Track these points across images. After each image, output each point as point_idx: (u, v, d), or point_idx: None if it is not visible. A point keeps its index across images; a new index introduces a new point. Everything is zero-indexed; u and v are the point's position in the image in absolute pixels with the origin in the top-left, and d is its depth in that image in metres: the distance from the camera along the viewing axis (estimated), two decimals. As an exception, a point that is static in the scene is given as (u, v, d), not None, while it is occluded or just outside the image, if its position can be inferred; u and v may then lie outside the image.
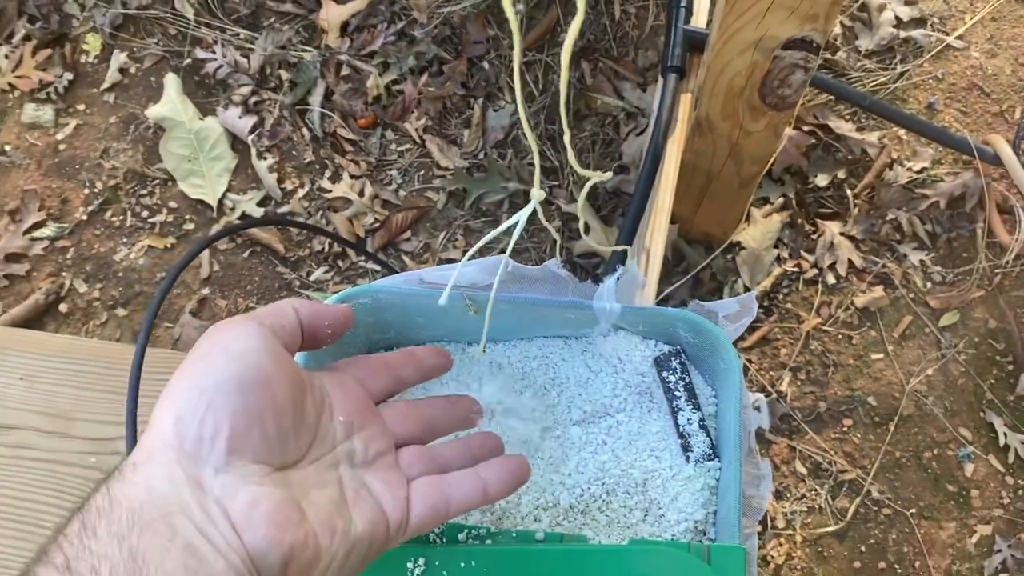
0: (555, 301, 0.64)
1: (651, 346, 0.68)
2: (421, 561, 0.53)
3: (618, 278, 0.65)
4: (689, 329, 0.64)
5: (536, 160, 0.44)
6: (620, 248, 0.74)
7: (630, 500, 0.63)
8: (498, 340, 0.71)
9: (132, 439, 0.77)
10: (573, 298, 0.64)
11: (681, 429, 0.64)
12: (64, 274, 1.30)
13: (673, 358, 0.65)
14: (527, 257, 1.28)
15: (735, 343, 0.76)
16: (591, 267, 1.30)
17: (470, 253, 0.54)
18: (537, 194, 0.44)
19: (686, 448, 0.63)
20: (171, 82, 1.36)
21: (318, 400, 0.45)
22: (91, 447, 0.97)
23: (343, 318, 0.48)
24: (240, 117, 1.35)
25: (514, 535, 0.56)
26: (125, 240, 1.32)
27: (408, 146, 1.35)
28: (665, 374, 0.65)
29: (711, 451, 0.63)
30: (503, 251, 0.51)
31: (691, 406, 0.64)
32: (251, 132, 1.34)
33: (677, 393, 0.64)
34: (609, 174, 0.48)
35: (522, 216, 0.46)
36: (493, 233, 0.50)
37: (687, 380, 0.65)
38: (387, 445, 0.48)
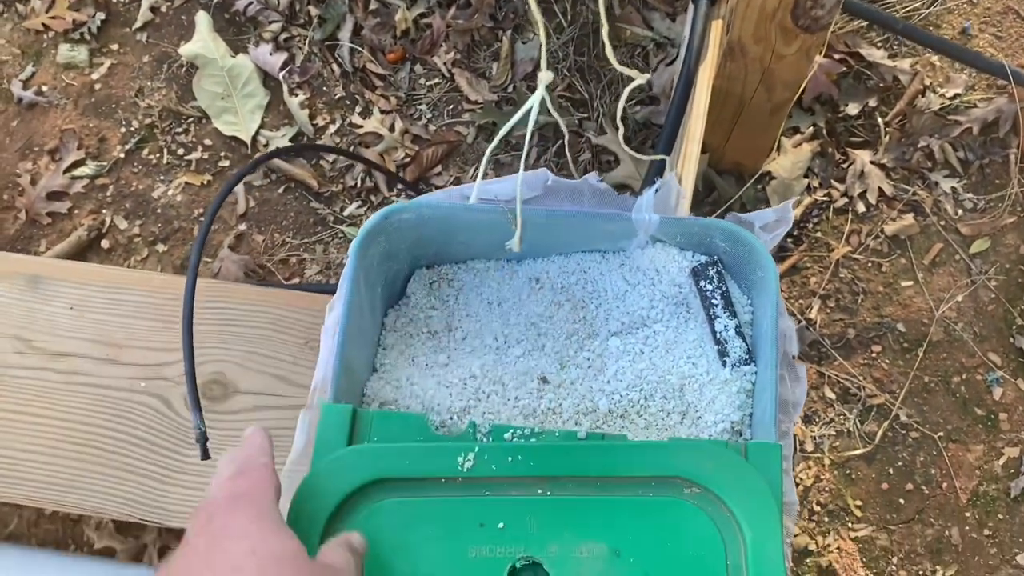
0: (595, 213, 0.66)
1: (688, 257, 0.69)
2: (471, 456, 0.56)
3: (656, 190, 0.66)
4: (726, 238, 0.65)
5: (543, 37, 0.44)
6: (658, 158, 0.75)
7: (668, 404, 0.65)
8: (536, 256, 0.73)
9: (190, 361, 0.80)
10: (612, 210, 0.66)
11: (718, 335, 0.66)
12: (104, 211, 1.33)
13: (710, 267, 0.67)
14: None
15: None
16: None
17: (487, 155, 0.55)
18: (545, 76, 0.45)
19: (723, 353, 0.65)
20: (202, 20, 1.37)
21: None
22: (140, 372, 1.01)
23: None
24: (271, 54, 1.36)
25: (557, 434, 0.59)
26: (162, 177, 1.34)
27: (437, 80, 1.36)
28: (702, 283, 0.67)
29: (747, 356, 0.65)
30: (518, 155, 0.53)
31: (728, 313, 0.66)
32: (282, 69, 1.35)
33: (714, 301, 0.66)
34: (648, 76, 0.48)
35: (533, 102, 0.46)
36: (510, 123, 0.50)
37: (724, 288, 0.66)
38: None
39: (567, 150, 0.80)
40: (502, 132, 0.55)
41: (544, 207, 0.67)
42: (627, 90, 0.50)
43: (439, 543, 0.53)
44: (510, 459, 0.55)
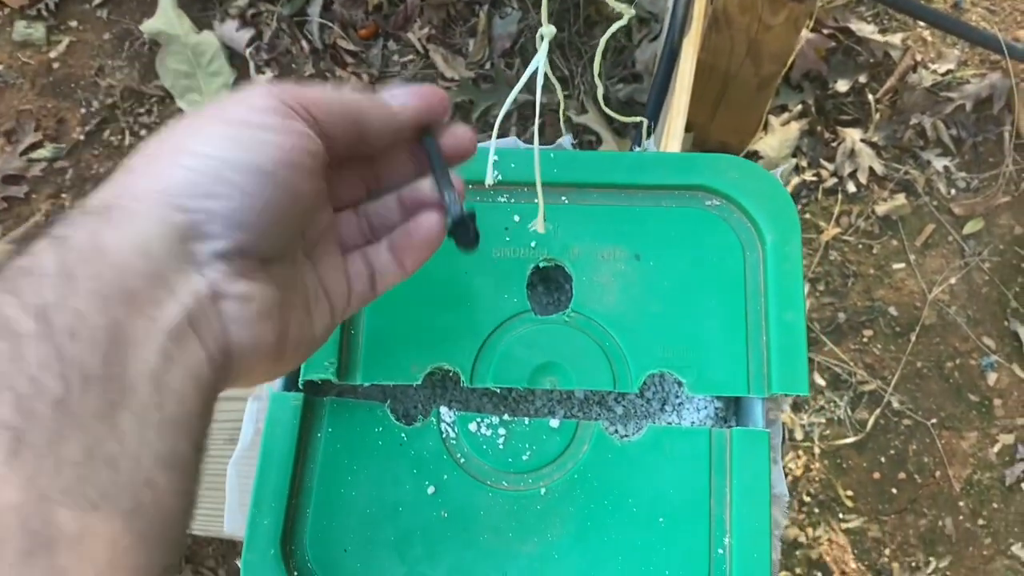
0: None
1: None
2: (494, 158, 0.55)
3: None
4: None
5: None
6: (636, 120, 0.70)
7: (647, 391, 0.61)
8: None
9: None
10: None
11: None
12: (64, 196, 1.27)
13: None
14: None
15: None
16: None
17: (500, 118, 0.50)
18: (547, 31, 0.41)
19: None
20: (165, -5, 1.32)
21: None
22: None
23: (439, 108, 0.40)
24: (237, 30, 1.30)
25: (527, 423, 0.54)
26: (124, 159, 1.28)
27: (411, 57, 1.30)
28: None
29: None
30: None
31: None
32: (249, 45, 1.30)
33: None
34: (633, 12, 0.43)
35: (539, 60, 0.42)
36: (517, 87, 0.46)
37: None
38: (329, 219, 0.41)
39: (563, 126, 0.76)
40: (512, 94, 0.50)
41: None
42: (612, 29, 0.45)
43: None
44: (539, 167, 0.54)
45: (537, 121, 0.43)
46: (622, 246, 0.54)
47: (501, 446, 0.52)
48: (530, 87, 0.41)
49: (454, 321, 0.54)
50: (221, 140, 0.33)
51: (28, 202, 1.26)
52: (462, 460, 0.52)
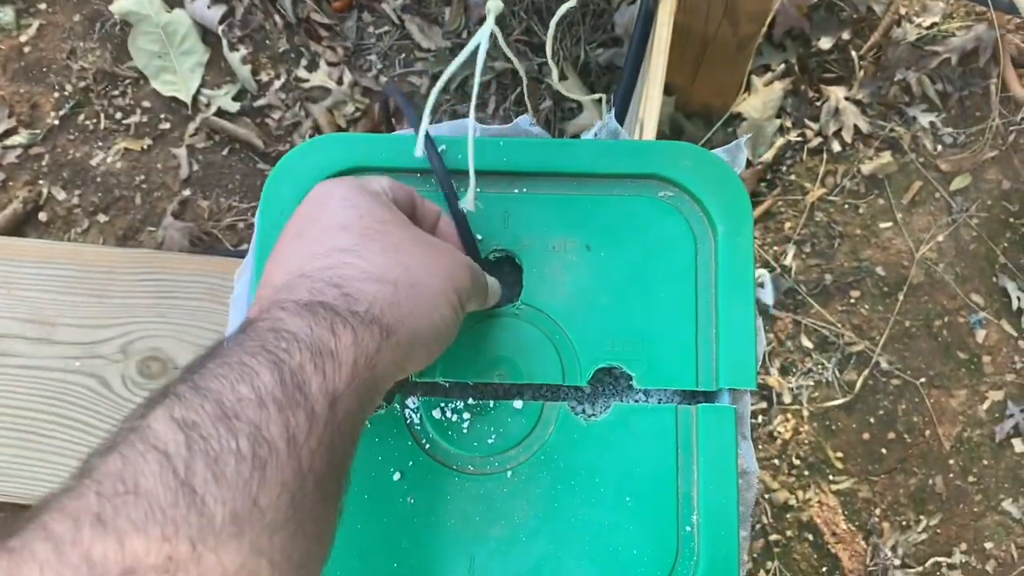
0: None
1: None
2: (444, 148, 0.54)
3: (595, 133, 0.60)
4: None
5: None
6: (595, 97, 0.68)
7: (615, 371, 0.60)
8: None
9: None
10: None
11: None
12: (41, 182, 1.26)
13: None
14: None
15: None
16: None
17: (432, 97, 0.49)
18: (494, 5, 0.39)
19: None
20: (133, -27, 1.29)
21: None
22: (75, 351, 0.95)
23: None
24: (209, 7, 1.27)
25: (492, 406, 0.53)
26: (100, 144, 1.27)
27: (387, 28, 1.28)
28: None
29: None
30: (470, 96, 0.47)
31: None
32: (221, 22, 1.27)
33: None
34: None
35: (482, 36, 0.41)
36: (455, 63, 0.45)
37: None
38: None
39: (526, 97, 0.75)
40: (449, 70, 0.49)
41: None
42: (562, 11, 0.44)
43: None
44: (488, 156, 0.54)
45: (474, 99, 0.42)
46: (573, 237, 0.54)
47: (466, 430, 0.52)
48: (508, 57, 0.40)
49: None
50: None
51: (5, 189, 1.25)
52: (427, 445, 0.52)
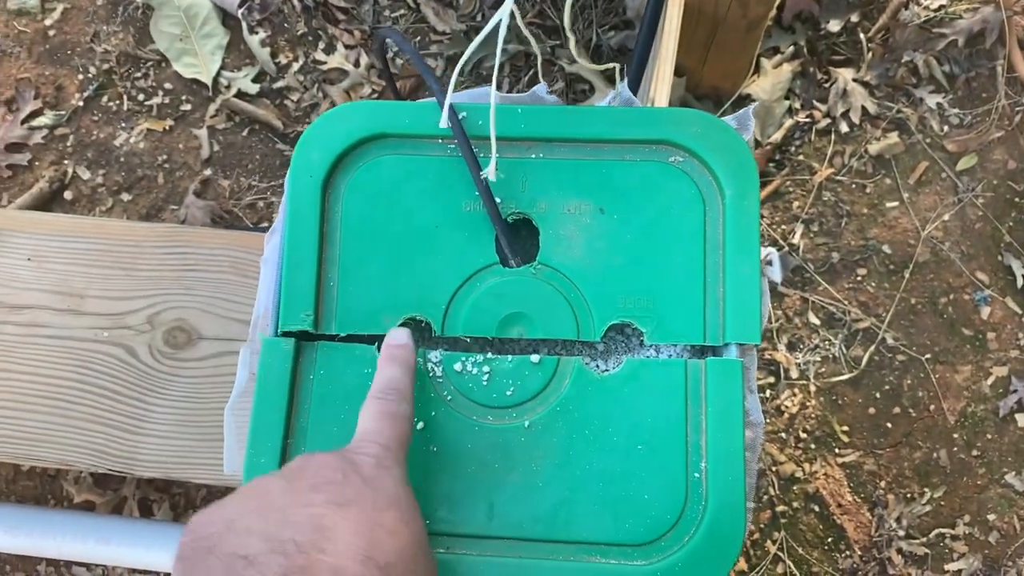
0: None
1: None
2: (464, 115, 0.57)
3: (609, 101, 0.62)
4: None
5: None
6: (607, 67, 0.71)
7: (627, 328, 0.63)
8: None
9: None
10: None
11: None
12: (66, 162, 1.29)
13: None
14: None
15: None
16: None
17: (456, 72, 0.52)
18: None
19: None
20: (155, -42, 1.32)
21: None
22: (103, 322, 0.98)
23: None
24: (228, -9, 1.30)
25: (510, 361, 0.56)
26: (123, 124, 1.30)
27: (402, 11, 1.31)
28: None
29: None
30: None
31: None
32: (241, 6, 1.30)
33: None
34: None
35: (503, 13, 0.43)
36: (477, 39, 0.47)
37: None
38: None
39: (540, 77, 0.77)
40: (471, 47, 0.52)
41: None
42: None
43: (434, 197, 0.57)
44: (507, 122, 0.56)
45: (496, 72, 0.44)
46: (587, 200, 0.56)
47: (486, 383, 0.55)
48: (522, 38, 0.43)
49: (426, 273, 0.56)
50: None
51: (32, 169, 1.28)
52: (449, 398, 0.55)
